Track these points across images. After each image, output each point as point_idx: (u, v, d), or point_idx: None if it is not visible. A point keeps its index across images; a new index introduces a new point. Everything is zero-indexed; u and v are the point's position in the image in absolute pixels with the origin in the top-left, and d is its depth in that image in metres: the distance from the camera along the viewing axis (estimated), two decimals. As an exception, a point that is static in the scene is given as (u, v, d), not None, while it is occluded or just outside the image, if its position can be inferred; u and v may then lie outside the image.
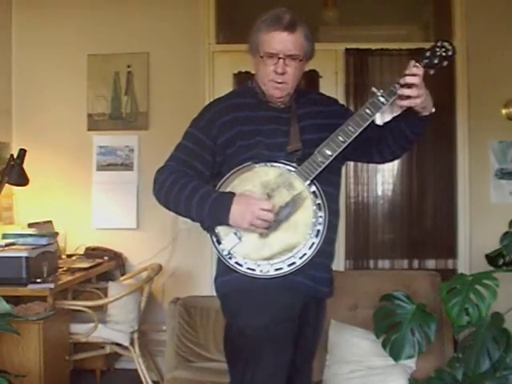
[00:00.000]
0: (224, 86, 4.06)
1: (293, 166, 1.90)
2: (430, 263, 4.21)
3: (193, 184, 1.89)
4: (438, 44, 1.91)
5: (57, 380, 3.22)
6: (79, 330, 3.52)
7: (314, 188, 1.90)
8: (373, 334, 2.77)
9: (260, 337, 1.89)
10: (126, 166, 4.28)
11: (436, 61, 1.90)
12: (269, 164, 1.90)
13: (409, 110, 1.91)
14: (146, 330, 4.04)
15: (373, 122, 1.93)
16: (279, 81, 1.92)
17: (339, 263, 4.18)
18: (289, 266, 1.87)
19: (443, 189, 4.23)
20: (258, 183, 1.88)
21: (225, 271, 1.94)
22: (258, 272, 1.87)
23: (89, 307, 3.49)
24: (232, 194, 1.86)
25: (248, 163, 1.90)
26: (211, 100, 2.08)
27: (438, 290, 2.69)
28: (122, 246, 4.21)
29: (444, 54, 1.90)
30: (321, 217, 1.89)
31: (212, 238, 1.92)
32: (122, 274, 4.16)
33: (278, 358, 1.93)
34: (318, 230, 1.89)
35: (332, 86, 4.22)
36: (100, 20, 4.30)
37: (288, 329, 1.94)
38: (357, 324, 2.93)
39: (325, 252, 1.95)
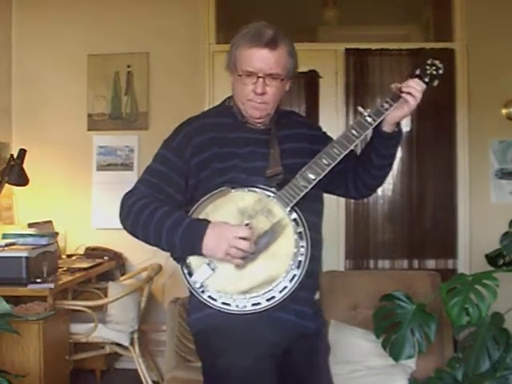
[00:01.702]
0: (224, 86, 4.04)
1: (272, 192, 1.72)
2: (430, 263, 4.21)
3: (163, 210, 1.71)
4: (429, 62, 1.82)
5: (57, 380, 3.22)
6: (79, 330, 3.52)
7: (295, 215, 1.72)
8: (373, 334, 2.77)
9: (246, 377, 1.71)
10: (126, 166, 4.28)
11: (427, 79, 1.80)
12: (246, 189, 1.72)
13: (373, 131, 1.81)
14: (145, 330, 4.04)
15: (352, 150, 1.79)
16: (258, 101, 1.77)
17: (339, 263, 4.18)
18: (267, 300, 1.68)
19: (443, 189, 4.23)
20: (234, 209, 1.71)
21: (199, 307, 1.75)
22: (233, 307, 1.69)
23: (89, 307, 3.49)
24: (206, 222, 1.68)
25: (224, 188, 1.72)
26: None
27: (438, 290, 2.69)
28: (122, 246, 4.21)
29: (435, 72, 1.81)
30: (303, 247, 1.71)
31: (183, 270, 1.73)
32: (122, 274, 4.16)
33: None
34: (300, 261, 1.70)
35: (332, 86, 4.22)
36: (100, 20, 4.30)
37: (272, 366, 1.75)
38: (357, 324, 2.93)
39: (306, 285, 1.75)
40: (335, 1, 4.91)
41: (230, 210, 1.71)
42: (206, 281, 1.70)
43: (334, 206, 4.13)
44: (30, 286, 3.17)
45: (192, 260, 1.71)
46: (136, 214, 1.74)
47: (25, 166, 3.77)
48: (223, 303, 1.70)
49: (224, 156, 1.78)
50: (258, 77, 1.75)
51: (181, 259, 1.74)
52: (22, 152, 3.77)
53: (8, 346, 3.01)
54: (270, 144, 1.82)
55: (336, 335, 2.89)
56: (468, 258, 4.14)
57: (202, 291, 1.71)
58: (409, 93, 1.75)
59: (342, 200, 4.18)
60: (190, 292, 1.77)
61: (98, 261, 3.97)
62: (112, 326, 3.61)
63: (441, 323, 2.74)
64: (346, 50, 4.21)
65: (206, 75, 4.21)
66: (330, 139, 1.88)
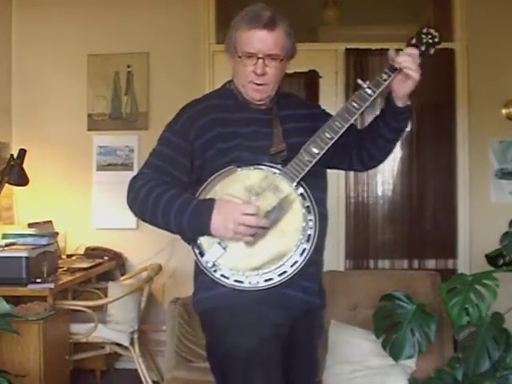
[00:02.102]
0: (224, 86, 4.07)
1: (277, 168, 1.76)
2: (430, 263, 4.20)
3: (170, 193, 1.75)
4: (424, 30, 1.83)
5: (57, 380, 3.22)
6: (79, 330, 3.52)
7: (301, 190, 1.75)
8: (373, 334, 2.77)
9: (250, 358, 1.73)
10: (126, 166, 4.28)
11: (423, 48, 1.81)
12: (252, 167, 1.76)
13: (385, 105, 1.85)
14: (145, 329, 4.04)
15: (351, 124, 1.81)
16: (259, 82, 1.81)
17: (339, 263, 4.18)
18: (279, 275, 1.72)
19: (443, 189, 4.23)
20: (241, 188, 1.73)
21: (208, 286, 1.78)
22: (246, 284, 1.71)
23: (89, 307, 3.49)
24: (212, 201, 1.70)
25: (230, 167, 1.76)
26: (189, 101, 1.94)
27: (438, 289, 2.69)
28: (122, 246, 4.21)
29: (431, 40, 1.82)
30: (311, 220, 1.74)
31: (194, 250, 1.76)
32: (122, 274, 4.16)
33: (270, 378, 1.77)
34: (309, 235, 1.74)
35: (332, 86, 4.22)
36: (100, 20, 4.30)
37: (279, 347, 1.78)
38: (357, 324, 2.93)
39: (313, 261, 1.79)
40: (335, 1, 4.91)
41: (238, 189, 1.73)
42: (218, 260, 1.72)
43: (334, 207, 4.13)
44: (30, 286, 3.17)
45: (203, 240, 1.74)
46: (143, 198, 1.77)
47: (25, 165, 3.77)
48: (236, 281, 1.72)
49: (227, 136, 1.81)
50: (258, 58, 1.78)
51: (192, 240, 1.76)
52: (22, 152, 3.77)
53: (8, 346, 3.00)
54: (271, 123, 1.85)
55: (336, 335, 2.89)
56: (468, 258, 4.14)
57: (215, 270, 1.73)
58: (405, 67, 1.76)
59: (342, 200, 4.19)
60: (198, 272, 1.81)
61: (98, 261, 3.97)
62: (112, 326, 3.61)
63: (441, 323, 2.74)
64: (346, 49, 4.21)
65: (206, 75, 4.21)
66: (329, 116, 1.90)
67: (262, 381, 1.76)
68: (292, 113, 1.92)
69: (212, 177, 1.76)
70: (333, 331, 2.90)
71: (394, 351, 2.67)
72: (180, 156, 1.82)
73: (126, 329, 3.63)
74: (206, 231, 1.70)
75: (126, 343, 3.63)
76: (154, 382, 3.77)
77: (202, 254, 1.74)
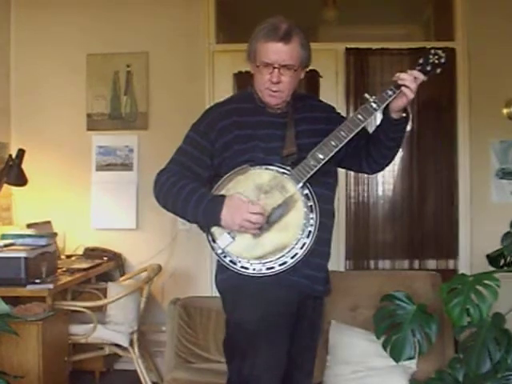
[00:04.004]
0: (224, 86, 4.06)
1: (286, 170, 1.97)
2: (431, 263, 4.20)
3: (189, 187, 1.98)
4: (432, 51, 1.98)
5: (56, 381, 3.21)
6: (78, 331, 3.51)
7: (306, 191, 1.97)
8: (373, 334, 2.76)
9: (255, 330, 1.95)
10: (126, 166, 4.27)
11: (429, 68, 1.97)
12: (263, 167, 1.97)
13: (382, 116, 2.01)
14: (145, 330, 4.03)
15: (363, 129, 1.99)
16: (274, 89, 1.99)
17: (339, 263, 4.17)
18: (280, 265, 1.94)
19: (444, 189, 4.22)
20: (252, 185, 1.96)
21: (222, 269, 2.02)
22: (250, 270, 1.95)
23: (88, 308, 3.48)
24: (223, 198, 1.94)
25: (244, 166, 1.97)
26: (212, 103, 2.12)
27: (438, 290, 2.68)
28: (122, 246, 4.21)
29: (437, 61, 1.97)
30: (312, 218, 1.96)
31: (208, 237, 2.00)
32: (122, 275, 4.15)
33: (274, 351, 1.98)
34: (310, 231, 1.96)
35: (332, 86, 4.21)
36: (100, 19, 4.29)
37: (283, 323, 1.99)
38: (357, 324, 2.92)
39: (319, 252, 2.02)
40: (335, 0, 4.90)
41: (249, 186, 1.96)
42: (227, 248, 1.96)
43: (335, 207, 4.11)
44: (29, 287, 3.16)
45: (215, 229, 1.98)
46: (167, 191, 2.02)
47: (23, 166, 3.77)
48: (242, 267, 1.96)
49: (244, 138, 2.01)
50: (274, 67, 1.96)
51: (205, 228, 2.01)
52: (21, 152, 3.76)
53: (7, 347, 2.99)
54: (286, 126, 2.04)
55: (336, 336, 2.88)
56: (469, 259, 4.13)
57: (224, 256, 1.98)
58: (403, 85, 1.92)
59: (342, 200, 4.18)
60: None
61: (98, 261, 3.96)
62: (111, 326, 3.60)
63: (441, 324, 2.74)
64: (347, 49, 4.21)
65: (206, 75, 4.20)
66: (343, 119, 2.10)
67: (266, 351, 1.96)
68: (307, 115, 2.09)
69: (228, 174, 1.99)
70: (333, 332, 2.90)
71: (395, 352, 2.66)
72: (201, 154, 2.04)
73: (125, 329, 3.62)
74: (217, 223, 1.94)
75: (126, 344, 3.62)
76: (153, 382, 3.76)
77: (213, 240, 1.99)
